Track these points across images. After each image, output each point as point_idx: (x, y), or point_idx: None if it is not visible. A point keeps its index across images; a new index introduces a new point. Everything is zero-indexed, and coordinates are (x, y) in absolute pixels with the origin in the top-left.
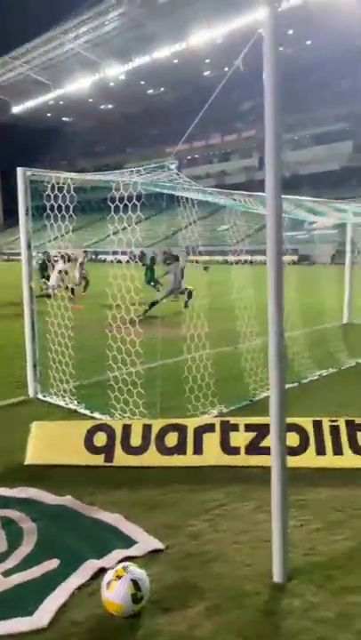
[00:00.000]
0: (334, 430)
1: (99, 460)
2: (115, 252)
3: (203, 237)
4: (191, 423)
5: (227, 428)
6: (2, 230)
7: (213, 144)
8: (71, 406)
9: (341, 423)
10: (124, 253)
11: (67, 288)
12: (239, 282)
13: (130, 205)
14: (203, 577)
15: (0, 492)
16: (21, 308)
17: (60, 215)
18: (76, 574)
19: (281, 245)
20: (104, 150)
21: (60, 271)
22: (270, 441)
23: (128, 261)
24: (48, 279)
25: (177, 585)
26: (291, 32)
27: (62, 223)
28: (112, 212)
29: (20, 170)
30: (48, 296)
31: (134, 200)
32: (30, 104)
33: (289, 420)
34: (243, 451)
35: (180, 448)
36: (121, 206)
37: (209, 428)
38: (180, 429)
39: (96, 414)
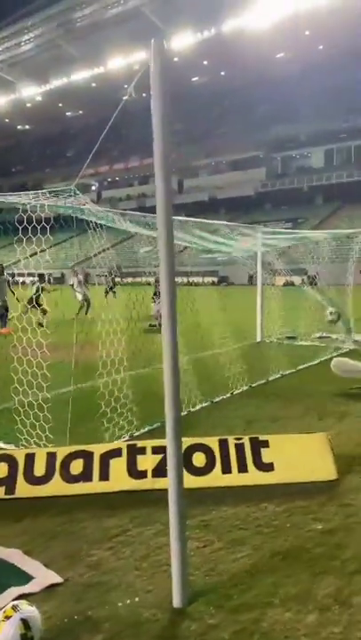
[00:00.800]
0: (239, 448)
1: None
2: (29, 274)
3: (126, 259)
4: (97, 449)
5: (134, 452)
6: None
7: (133, 167)
8: None
9: (246, 441)
10: (30, 275)
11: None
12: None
13: (39, 227)
14: (101, 608)
15: None
16: None
17: None
18: None
19: (173, 270)
20: (22, 170)
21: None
22: (168, 465)
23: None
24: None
25: (74, 619)
26: (205, 62)
27: None
28: (20, 234)
29: None
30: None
31: (43, 222)
32: None
33: (196, 440)
34: (150, 474)
35: (85, 475)
36: (29, 228)
37: (116, 452)
38: (86, 456)
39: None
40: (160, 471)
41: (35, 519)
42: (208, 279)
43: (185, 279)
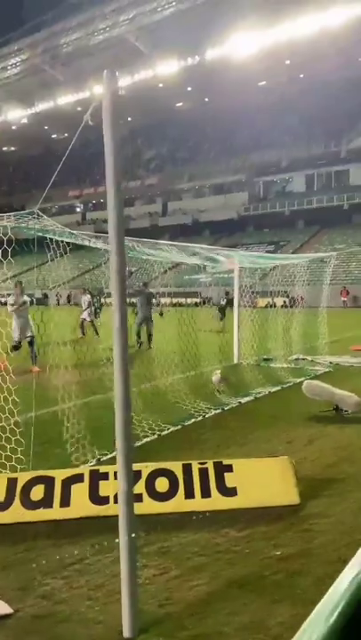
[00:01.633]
0: (203, 473)
1: None
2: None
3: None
4: (59, 474)
5: (96, 477)
6: None
7: None
8: None
9: (210, 465)
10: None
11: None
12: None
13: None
14: None
15: None
16: None
17: None
18: None
19: (125, 293)
20: (6, 191)
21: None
22: (118, 491)
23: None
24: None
25: None
26: (189, 89)
27: None
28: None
29: None
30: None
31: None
32: None
33: (159, 465)
34: (112, 500)
35: (46, 501)
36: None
37: (78, 478)
38: (47, 481)
39: None
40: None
41: None
42: (191, 300)
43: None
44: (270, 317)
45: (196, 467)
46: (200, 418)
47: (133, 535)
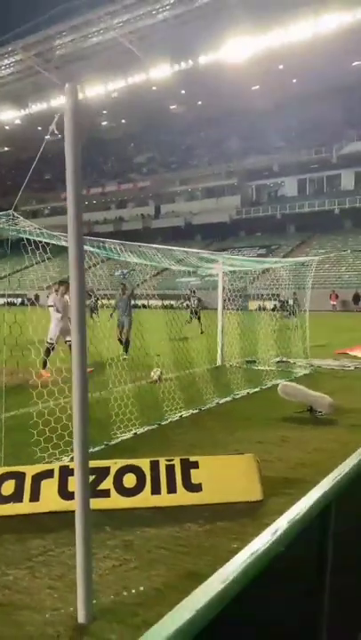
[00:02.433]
0: (170, 469)
1: None
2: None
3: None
4: (30, 470)
5: (66, 473)
6: None
7: (110, 191)
8: None
9: (177, 462)
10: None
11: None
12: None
13: None
14: (6, 627)
15: None
16: None
17: None
18: None
19: (84, 297)
20: None
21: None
22: (75, 485)
23: None
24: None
25: None
26: (183, 92)
27: None
28: None
29: None
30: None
31: None
32: None
33: (127, 461)
34: None
35: (16, 496)
36: None
37: (48, 473)
38: (18, 477)
39: None
40: (90, 492)
41: None
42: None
43: (160, 302)
44: (258, 320)
45: (163, 463)
46: (177, 418)
47: (89, 528)
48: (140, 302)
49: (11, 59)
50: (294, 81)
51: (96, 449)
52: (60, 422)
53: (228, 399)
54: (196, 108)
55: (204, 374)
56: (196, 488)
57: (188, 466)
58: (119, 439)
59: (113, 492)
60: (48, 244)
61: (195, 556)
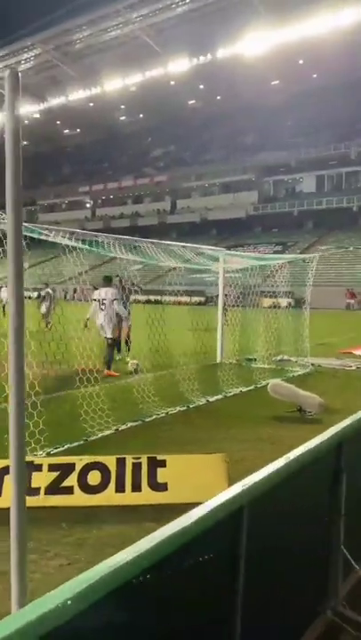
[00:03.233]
0: (136, 467)
1: None
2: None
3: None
4: None
5: (30, 469)
6: None
7: (127, 186)
8: None
9: (144, 460)
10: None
11: None
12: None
13: None
14: None
15: None
16: None
17: None
18: None
19: (22, 294)
20: None
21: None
22: (11, 482)
23: None
24: None
25: None
26: (201, 86)
27: None
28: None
29: None
30: None
31: None
32: None
33: (93, 458)
34: (43, 491)
35: None
36: None
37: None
38: None
39: None
40: (53, 489)
41: None
42: (196, 299)
43: (172, 298)
44: (264, 317)
45: (130, 461)
46: (162, 414)
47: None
48: (152, 297)
49: (30, 52)
50: (315, 76)
51: (74, 444)
52: (39, 417)
53: (219, 397)
54: (214, 102)
55: (201, 371)
56: (161, 487)
57: (155, 464)
58: (99, 435)
59: (76, 488)
60: (25, 237)
61: None
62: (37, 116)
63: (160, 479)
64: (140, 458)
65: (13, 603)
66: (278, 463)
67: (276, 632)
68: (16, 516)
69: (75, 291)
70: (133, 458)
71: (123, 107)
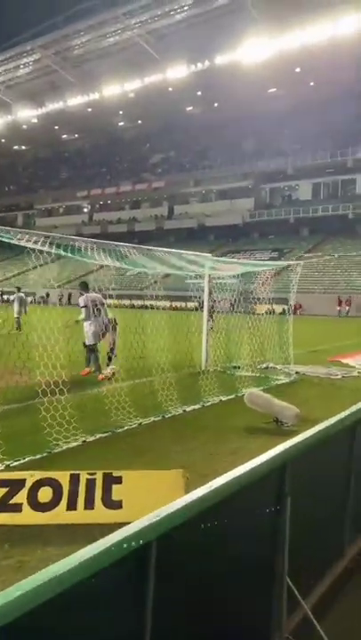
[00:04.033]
0: (90, 484)
1: None
2: None
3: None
4: None
5: None
6: None
7: (124, 191)
8: None
9: (99, 476)
10: None
11: None
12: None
13: None
14: None
15: None
16: None
17: None
18: None
19: None
20: (14, 190)
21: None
22: None
23: None
24: None
25: None
26: (199, 93)
27: None
28: None
29: None
30: None
31: None
32: None
33: (45, 474)
34: None
35: None
36: None
37: None
38: None
39: None
40: (1, 506)
41: None
42: (191, 304)
43: (168, 303)
44: (250, 324)
45: (84, 477)
46: (134, 425)
47: None
48: (147, 303)
49: (29, 57)
50: (312, 84)
51: (37, 457)
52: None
53: (196, 407)
54: (211, 109)
55: (182, 379)
56: (115, 505)
57: (110, 481)
58: (63, 447)
59: (25, 506)
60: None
61: None
62: (36, 120)
63: (115, 496)
64: (95, 474)
65: None
66: (210, 486)
67: None
68: None
69: (47, 295)
70: (88, 474)
71: (121, 112)
